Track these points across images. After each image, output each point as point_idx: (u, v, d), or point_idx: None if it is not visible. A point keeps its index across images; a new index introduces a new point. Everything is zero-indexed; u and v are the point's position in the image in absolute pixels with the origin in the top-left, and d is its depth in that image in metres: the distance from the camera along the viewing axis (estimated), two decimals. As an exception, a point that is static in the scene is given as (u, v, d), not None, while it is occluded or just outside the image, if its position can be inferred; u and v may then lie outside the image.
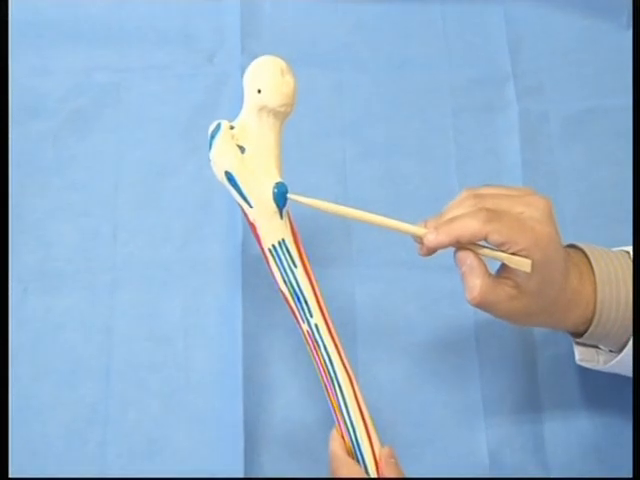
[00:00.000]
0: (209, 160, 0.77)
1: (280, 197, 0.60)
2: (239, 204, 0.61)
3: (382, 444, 0.61)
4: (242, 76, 0.80)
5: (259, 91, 0.60)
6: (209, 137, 0.61)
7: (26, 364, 0.72)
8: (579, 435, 0.71)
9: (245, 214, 0.61)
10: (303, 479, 0.68)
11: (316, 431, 0.70)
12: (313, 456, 0.70)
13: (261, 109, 0.60)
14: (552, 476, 0.69)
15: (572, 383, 0.72)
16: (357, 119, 0.82)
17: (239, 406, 0.70)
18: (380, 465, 0.60)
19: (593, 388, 0.72)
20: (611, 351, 0.65)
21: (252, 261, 0.75)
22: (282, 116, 0.61)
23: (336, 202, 0.60)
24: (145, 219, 0.77)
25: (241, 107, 0.79)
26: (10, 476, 0.66)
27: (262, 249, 0.62)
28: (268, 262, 0.62)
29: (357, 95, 0.83)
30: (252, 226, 0.61)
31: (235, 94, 0.81)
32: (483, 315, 0.73)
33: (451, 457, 0.70)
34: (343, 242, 0.76)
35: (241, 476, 0.69)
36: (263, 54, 0.83)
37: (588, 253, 0.62)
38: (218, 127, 0.61)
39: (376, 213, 0.59)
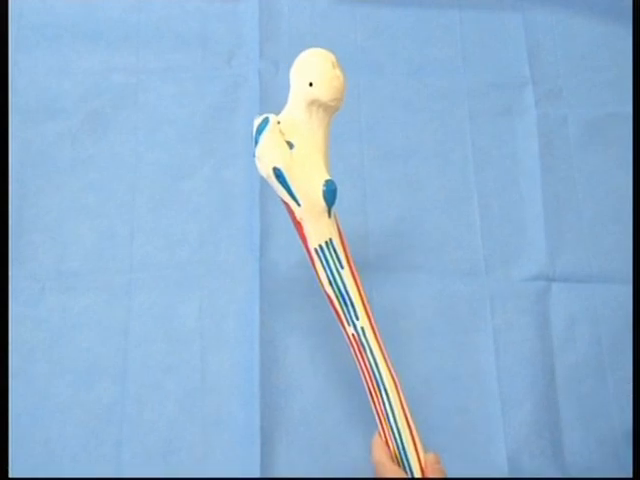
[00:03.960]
0: (226, 161, 0.78)
1: (330, 195, 0.58)
2: (285, 202, 0.60)
3: (426, 450, 0.60)
4: (259, 79, 0.82)
5: (310, 84, 0.58)
6: (255, 132, 0.59)
7: (43, 363, 0.72)
8: (598, 441, 0.71)
9: (291, 212, 0.60)
10: (320, 479, 0.68)
11: (334, 434, 0.70)
12: (330, 459, 0.69)
13: (311, 103, 0.59)
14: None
15: (590, 389, 0.72)
16: (375, 123, 0.82)
17: (256, 410, 0.70)
18: (426, 471, 0.59)
19: (612, 394, 0.72)
20: None
21: (270, 265, 0.75)
22: (332, 110, 0.60)
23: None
24: (162, 221, 0.78)
25: (258, 110, 0.80)
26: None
27: (308, 249, 0.61)
28: (314, 263, 0.61)
29: (375, 99, 0.83)
30: (298, 225, 0.60)
31: (252, 97, 0.81)
32: (501, 321, 0.73)
33: (470, 463, 0.70)
34: (361, 246, 0.76)
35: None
36: (281, 58, 0.84)
37: None
38: (266, 121, 0.59)
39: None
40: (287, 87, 0.81)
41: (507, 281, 0.75)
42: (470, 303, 0.74)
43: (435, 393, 0.72)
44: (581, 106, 0.82)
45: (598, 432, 0.71)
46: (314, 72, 0.59)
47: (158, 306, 0.75)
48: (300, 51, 0.83)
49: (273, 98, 0.81)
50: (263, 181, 0.77)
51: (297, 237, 0.76)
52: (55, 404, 0.71)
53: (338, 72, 0.59)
